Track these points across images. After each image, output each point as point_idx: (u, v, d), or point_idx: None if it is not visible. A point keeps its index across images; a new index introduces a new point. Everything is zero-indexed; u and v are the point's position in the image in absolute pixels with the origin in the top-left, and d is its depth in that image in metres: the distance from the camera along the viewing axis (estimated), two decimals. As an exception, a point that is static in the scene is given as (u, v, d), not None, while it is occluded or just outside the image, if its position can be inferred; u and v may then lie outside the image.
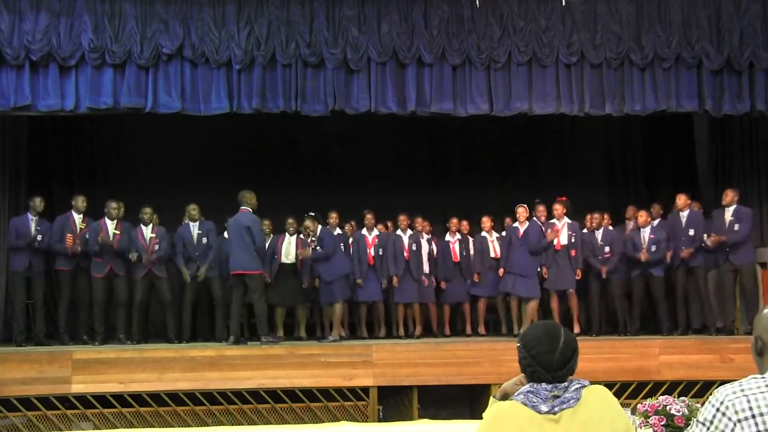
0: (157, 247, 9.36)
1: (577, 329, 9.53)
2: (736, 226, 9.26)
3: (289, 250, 9.90)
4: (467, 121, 9.83)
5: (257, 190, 11.13)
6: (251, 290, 8.88)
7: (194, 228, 9.57)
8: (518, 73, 9.27)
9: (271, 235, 9.91)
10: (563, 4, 9.04)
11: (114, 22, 8.75)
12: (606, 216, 10.07)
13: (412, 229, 10.06)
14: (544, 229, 9.47)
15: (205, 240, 9.50)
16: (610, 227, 10.06)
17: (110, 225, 9.27)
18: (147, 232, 9.41)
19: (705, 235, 9.39)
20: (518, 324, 9.74)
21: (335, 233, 9.78)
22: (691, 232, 9.51)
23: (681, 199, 9.75)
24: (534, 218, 9.56)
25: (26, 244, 9.10)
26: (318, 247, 9.37)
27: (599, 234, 9.90)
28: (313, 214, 9.56)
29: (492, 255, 10.18)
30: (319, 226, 9.50)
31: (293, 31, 8.97)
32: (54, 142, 11.42)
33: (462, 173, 12.29)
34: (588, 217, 10.09)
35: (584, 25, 9.28)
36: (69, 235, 9.21)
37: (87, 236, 9.26)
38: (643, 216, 9.76)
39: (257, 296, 8.89)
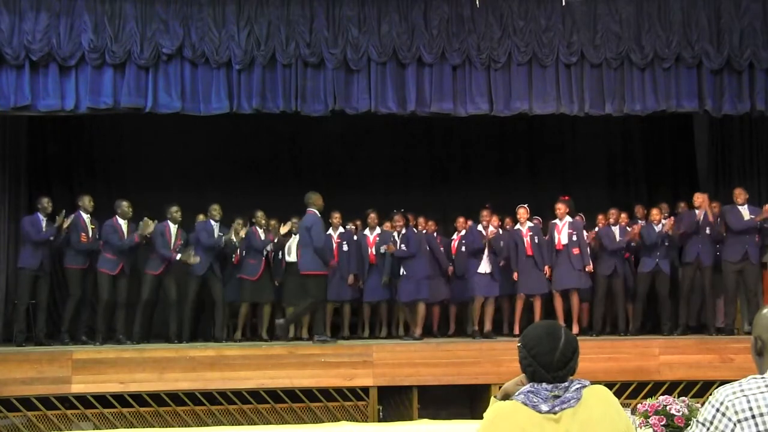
0: (180, 246, 9.40)
1: (576, 329, 9.52)
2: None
3: (292, 248, 9.92)
4: (467, 121, 9.83)
5: (257, 190, 11.14)
6: (308, 289, 8.94)
7: (216, 227, 9.59)
8: (518, 73, 9.27)
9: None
10: (563, 4, 9.04)
11: (114, 22, 8.76)
12: (624, 215, 9.99)
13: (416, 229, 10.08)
14: (485, 232, 9.58)
15: (222, 244, 9.56)
16: (628, 228, 9.98)
17: (123, 224, 9.29)
18: (174, 229, 9.44)
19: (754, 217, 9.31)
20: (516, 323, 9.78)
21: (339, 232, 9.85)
22: (708, 230, 9.49)
23: (699, 198, 9.66)
24: (473, 224, 9.70)
25: (49, 240, 9.03)
26: (402, 245, 9.43)
27: (617, 230, 9.83)
28: (402, 210, 9.65)
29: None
30: (404, 225, 9.60)
31: (293, 31, 8.97)
32: (54, 142, 11.41)
33: (462, 173, 12.28)
34: (600, 216, 10.04)
35: (584, 25, 9.28)
36: (83, 234, 9.21)
37: (98, 236, 9.25)
38: (655, 214, 9.75)
39: (312, 296, 8.93)
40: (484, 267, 9.55)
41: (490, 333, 9.52)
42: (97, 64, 8.76)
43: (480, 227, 9.74)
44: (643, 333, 9.83)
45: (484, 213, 9.67)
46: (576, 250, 9.59)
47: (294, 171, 12.05)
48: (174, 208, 9.47)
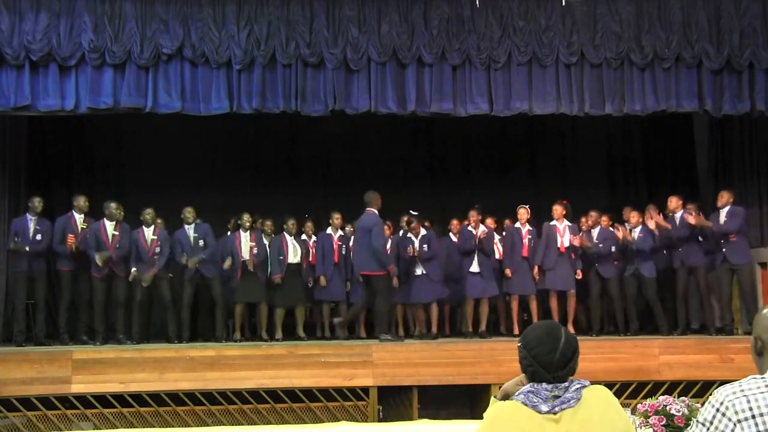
0: (158, 249, 9.32)
1: (571, 329, 9.51)
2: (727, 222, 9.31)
3: (295, 250, 9.89)
4: (467, 121, 9.83)
5: (257, 190, 11.10)
6: (374, 290, 8.96)
7: (190, 230, 9.55)
8: (518, 73, 9.26)
9: (272, 236, 9.91)
10: (563, 4, 9.04)
11: (114, 22, 8.76)
12: (605, 217, 10.02)
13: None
14: (475, 233, 9.62)
15: (201, 243, 9.49)
16: (611, 228, 9.98)
17: (109, 226, 9.24)
18: (149, 233, 9.36)
19: (687, 215, 9.37)
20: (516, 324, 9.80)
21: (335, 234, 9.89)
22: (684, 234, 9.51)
23: (673, 202, 9.73)
24: (464, 224, 9.78)
25: (22, 251, 9.02)
26: (425, 246, 9.47)
27: (595, 233, 9.88)
28: (416, 213, 9.69)
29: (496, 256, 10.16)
30: (422, 228, 9.63)
31: (293, 31, 8.97)
32: (54, 142, 11.41)
33: (462, 173, 12.29)
34: (583, 219, 10.08)
35: (584, 25, 9.28)
36: (70, 235, 9.19)
37: (87, 236, 9.24)
38: (634, 216, 9.78)
39: (379, 296, 8.96)
40: (475, 267, 9.59)
41: (484, 333, 9.55)
42: (97, 64, 8.76)
43: (470, 228, 9.75)
44: (643, 333, 9.83)
45: (472, 213, 9.69)
46: (573, 254, 9.70)
47: (293, 171, 12.05)
48: (147, 210, 9.37)
